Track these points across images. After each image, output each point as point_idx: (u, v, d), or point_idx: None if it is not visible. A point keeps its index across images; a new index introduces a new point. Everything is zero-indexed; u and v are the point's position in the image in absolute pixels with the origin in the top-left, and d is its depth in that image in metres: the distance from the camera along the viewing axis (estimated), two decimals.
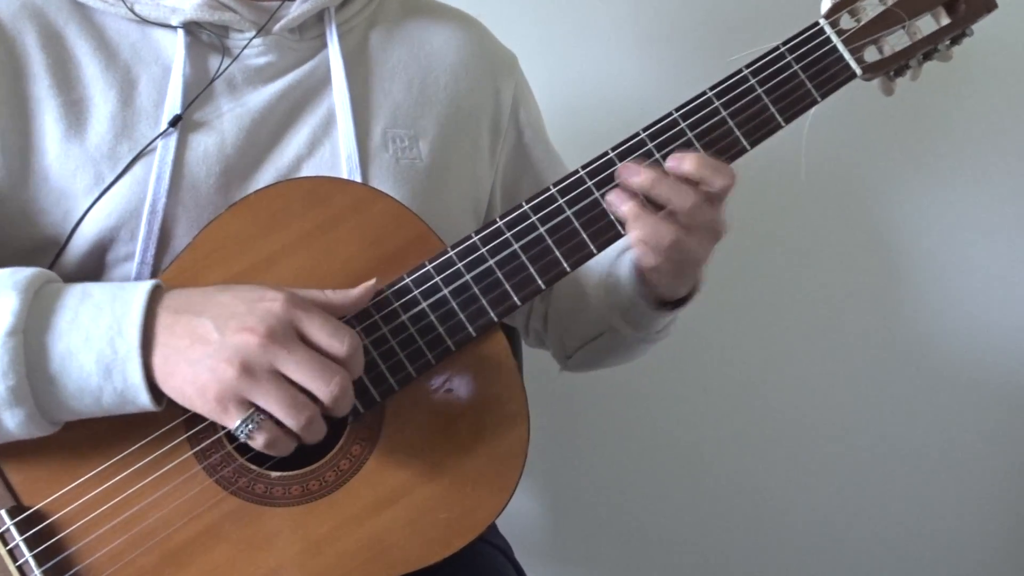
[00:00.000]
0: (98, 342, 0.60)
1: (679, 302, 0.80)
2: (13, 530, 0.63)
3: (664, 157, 0.71)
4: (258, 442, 0.60)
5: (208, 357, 0.59)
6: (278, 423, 0.60)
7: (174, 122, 0.72)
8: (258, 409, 0.59)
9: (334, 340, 0.60)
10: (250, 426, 0.59)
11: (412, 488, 0.68)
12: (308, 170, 0.76)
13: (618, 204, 0.69)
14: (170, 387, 0.61)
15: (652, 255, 0.70)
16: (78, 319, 0.60)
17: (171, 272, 0.67)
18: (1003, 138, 1.30)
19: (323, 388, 0.59)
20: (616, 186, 0.70)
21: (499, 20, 0.93)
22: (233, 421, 0.59)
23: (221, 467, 0.66)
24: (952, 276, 1.34)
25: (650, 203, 0.69)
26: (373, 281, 0.66)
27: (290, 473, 0.67)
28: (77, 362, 0.60)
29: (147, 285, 0.62)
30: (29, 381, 0.59)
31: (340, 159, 0.76)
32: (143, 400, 0.61)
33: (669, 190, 0.68)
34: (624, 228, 0.70)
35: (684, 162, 0.69)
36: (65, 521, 0.64)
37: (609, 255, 0.84)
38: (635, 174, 0.69)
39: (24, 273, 0.62)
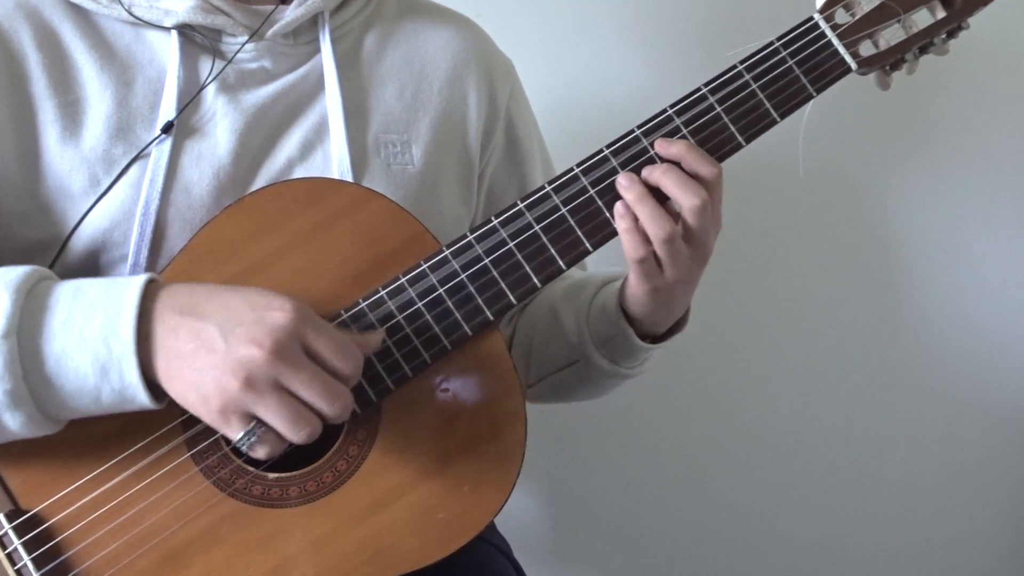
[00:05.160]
0: (92, 342, 0.59)
1: (662, 337, 0.80)
2: (11, 534, 0.63)
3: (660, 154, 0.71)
4: (259, 454, 0.60)
5: (213, 368, 0.58)
6: (279, 434, 0.60)
7: (167, 128, 0.72)
8: (260, 422, 0.59)
9: (340, 361, 0.60)
10: (252, 439, 0.59)
11: (410, 488, 0.68)
12: (300, 175, 0.76)
13: (627, 186, 0.70)
14: (173, 391, 0.60)
15: (641, 244, 0.70)
16: (71, 319, 0.60)
17: (167, 275, 0.67)
18: (1002, 133, 1.29)
19: (328, 407, 0.59)
20: (631, 170, 0.71)
21: (498, 20, 0.93)
22: (235, 433, 0.59)
23: (219, 469, 0.66)
24: (951, 277, 1.33)
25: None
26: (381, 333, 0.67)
27: (288, 474, 0.67)
28: (73, 363, 0.59)
29: (140, 280, 0.61)
30: (26, 383, 0.59)
31: (332, 164, 0.76)
32: (142, 399, 0.60)
33: (677, 182, 0.69)
34: (614, 219, 0.70)
35: (672, 145, 0.71)
36: (63, 524, 0.64)
37: (589, 288, 0.84)
38: (666, 146, 0.71)
39: (17, 272, 0.61)
